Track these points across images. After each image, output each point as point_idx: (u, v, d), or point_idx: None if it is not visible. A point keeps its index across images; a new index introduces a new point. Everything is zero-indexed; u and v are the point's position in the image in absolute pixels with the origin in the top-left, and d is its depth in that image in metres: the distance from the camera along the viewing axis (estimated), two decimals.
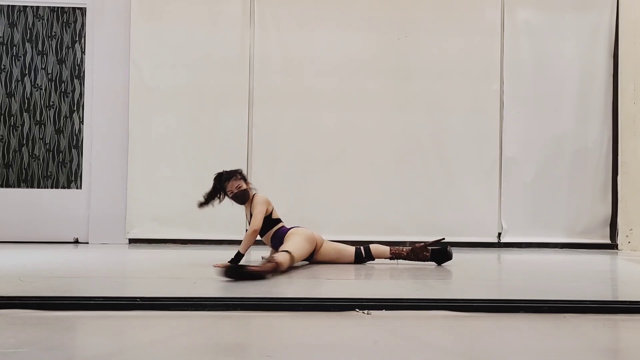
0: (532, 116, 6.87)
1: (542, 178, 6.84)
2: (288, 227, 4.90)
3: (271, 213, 4.84)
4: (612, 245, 6.81)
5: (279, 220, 4.89)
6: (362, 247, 4.93)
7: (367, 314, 3.00)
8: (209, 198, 4.83)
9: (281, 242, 4.71)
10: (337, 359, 2.32)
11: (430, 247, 4.91)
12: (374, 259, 4.93)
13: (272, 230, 4.83)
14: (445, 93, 6.84)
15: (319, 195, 6.77)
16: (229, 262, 4.50)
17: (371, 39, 6.85)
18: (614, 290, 4.07)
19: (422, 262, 4.92)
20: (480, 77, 6.86)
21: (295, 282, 4.05)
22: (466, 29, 6.87)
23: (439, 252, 4.89)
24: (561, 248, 6.76)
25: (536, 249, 6.72)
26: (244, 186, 4.81)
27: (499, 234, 6.82)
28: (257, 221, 4.67)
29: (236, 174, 4.83)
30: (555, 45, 6.90)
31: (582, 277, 4.59)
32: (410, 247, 4.93)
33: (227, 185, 4.79)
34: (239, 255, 4.55)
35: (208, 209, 6.64)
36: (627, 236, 6.72)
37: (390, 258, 4.90)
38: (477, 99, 6.85)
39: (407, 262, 4.94)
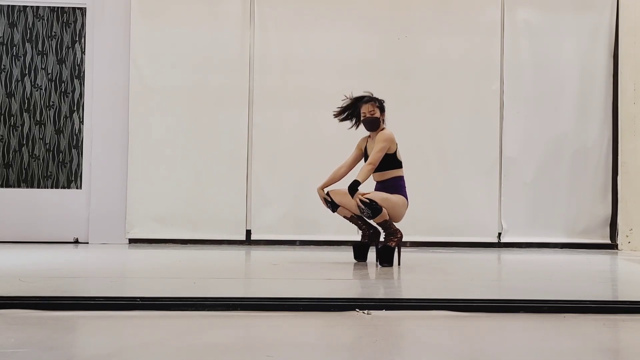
0: (532, 116, 6.86)
1: (542, 178, 6.84)
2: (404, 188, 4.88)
3: (395, 153, 4.84)
4: (612, 245, 6.81)
5: (400, 164, 4.87)
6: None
7: (367, 314, 3.00)
8: (342, 111, 4.96)
9: (386, 191, 4.75)
10: (337, 359, 2.32)
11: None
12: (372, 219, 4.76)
13: (388, 172, 4.83)
14: (445, 93, 6.84)
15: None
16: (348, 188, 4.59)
17: (371, 39, 6.85)
18: (614, 290, 4.07)
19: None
20: (480, 77, 6.85)
21: (295, 282, 4.05)
22: (466, 29, 6.87)
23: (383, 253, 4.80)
24: (561, 248, 6.76)
25: (536, 249, 6.72)
26: (378, 114, 4.85)
27: (499, 234, 6.82)
28: (376, 158, 4.69)
29: (375, 100, 4.88)
30: (555, 45, 6.90)
31: (582, 277, 4.59)
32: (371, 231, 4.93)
33: (363, 107, 4.86)
34: (357, 183, 4.60)
35: (207, 208, 6.68)
36: (627, 236, 6.72)
37: (384, 227, 4.78)
38: (477, 99, 6.85)
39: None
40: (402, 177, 4.91)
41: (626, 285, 4.36)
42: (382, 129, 4.89)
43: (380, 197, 4.72)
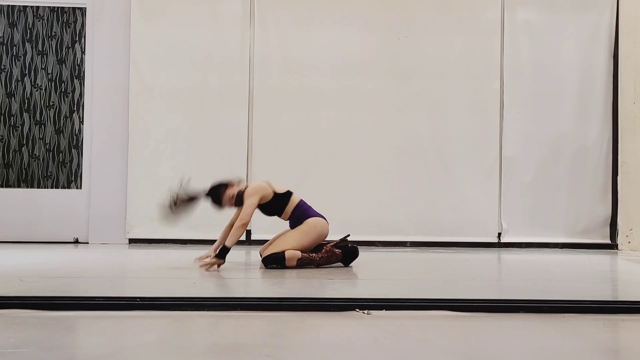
0: (532, 116, 6.86)
1: (542, 178, 6.84)
2: (309, 211, 4.81)
3: (274, 195, 4.71)
4: (612, 245, 6.81)
5: (289, 197, 4.77)
6: (276, 252, 4.63)
7: (367, 314, 3.00)
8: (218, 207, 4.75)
9: (301, 222, 4.70)
10: (337, 359, 2.32)
11: (339, 247, 4.78)
12: (285, 266, 4.58)
13: (286, 211, 4.75)
14: (445, 93, 6.84)
15: (318, 195, 6.73)
16: (214, 256, 4.43)
17: (371, 39, 6.85)
18: (614, 290, 4.07)
19: (331, 265, 4.76)
20: (480, 77, 6.85)
21: (295, 282, 4.05)
22: (466, 28, 6.87)
23: (348, 252, 4.78)
24: (561, 248, 6.76)
25: (536, 249, 6.72)
26: (235, 190, 4.67)
27: (499, 234, 6.82)
28: (245, 215, 4.51)
29: (220, 189, 4.65)
30: (555, 45, 6.90)
31: (582, 277, 4.59)
32: (319, 252, 4.71)
33: (225, 203, 4.66)
34: (225, 249, 4.42)
35: (207, 208, 6.66)
36: (627, 236, 6.72)
37: (297, 265, 4.60)
38: (477, 98, 6.84)
39: (316, 268, 4.64)
40: (300, 202, 4.81)
41: (626, 285, 4.36)
42: (245, 188, 4.71)
43: (282, 243, 4.66)
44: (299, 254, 4.62)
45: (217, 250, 4.53)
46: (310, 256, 4.67)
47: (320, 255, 4.70)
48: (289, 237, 4.72)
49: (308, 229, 4.71)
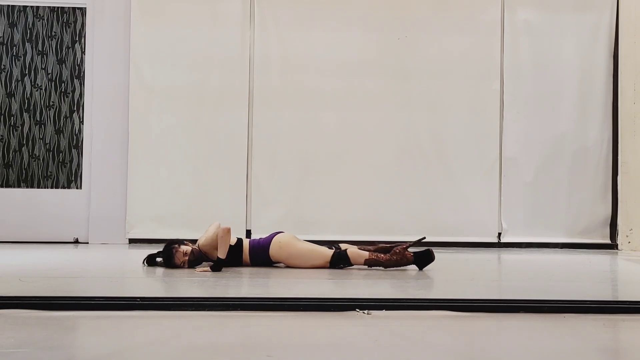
0: (532, 116, 6.86)
1: (542, 178, 6.84)
2: (259, 238, 4.77)
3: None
4: (612, 245, 6.81)
5: (239, 240, 4.69)
6: (338, 251, 4.59)
7: (367, 314, 3.00)
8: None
9: (266, 255, 4.60)
10: (337, 359, 2.32)
11: (412, 250, 4.59)
12: (351, 264, 4.57)
13: (243, 251, 4.64)
14: (445, 93, 6.83)
15: (319, 195, 6.76)
16: (210, 267, 4.39)
17: (371, 39, 6.85)
18: (614, 290, 4.07)
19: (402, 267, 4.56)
20: (480, 77, 6.85)
21: (295, 282, 4.05)
22: (466, 28, 6.87)
23: (423, 255, 4.54)
24: (561, 248, 6.76)
25: (536, 249, 6.72)
26: (189, 248, 4.57)
27: (499, 234, 6.82)
28: (218, 230, 4.45)
29: (171, 248, 4.54)
30: (555, 45, 6.90)
31: (582, 277, 4.59)
32: (389, 253, 4.54)
33: (176, 262, 4.51)
34: (220, 262, 4.38)
35: (207, 208, 6.68)
36: (627, 236, 6.72)
37: (367, 264, 4.54)
38: (477, 98, 6.84)
39: (384, 269, 4.55)
40: (250, 242, 4.74)
41: (626, 285, 4.36)
42: (198, 244, 4.62)
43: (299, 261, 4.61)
44: (365, 254, 4.54)
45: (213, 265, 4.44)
46: (377, 257, 4.53)
47: (387, 257, 4.51)
48: (297, 258, 4.62)
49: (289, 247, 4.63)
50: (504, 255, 6.18)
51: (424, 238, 4.74)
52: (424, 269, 4.56)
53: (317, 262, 4.58)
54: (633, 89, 6.69)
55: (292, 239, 4.69)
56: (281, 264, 4.70)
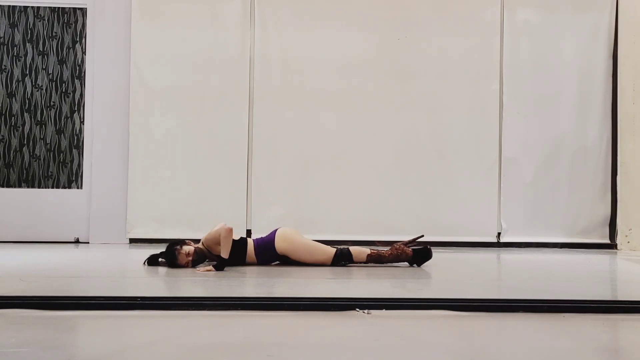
0: (531, 116, 6.87)
1: (541, 178, 6.84)
2: (260, 236, 4.83)
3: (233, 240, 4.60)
4: (612, 245, 6.81)
5: (243, 239, 4.72)
6: (341, 248, 4.71)
7: (367, 313, 3.01)
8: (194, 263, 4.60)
9: (274, 252, 4.67)
10: (338, 359, 2.33)
11: (411, 247, 4.74)
12: (353, 262, 4.68)
13: (248, 250, 4.68)
14: (445, 93, 6.84)
15: (319, 195, 6.77)
16: (213, 266, 4.39)
17: (371, 39, 6.86)
18: (614, 290, 4.08)
19: (400, 264, 4.74)
20: (480, 77, 6.86)
21: (295, 282, 4.06)
22: (466, 29, 6.87)
23: (421, 252, 4.73)
24: (561, 248, 6.77)
25: (536, 248, 6.73)
26: (191, 247, 4.59)
27: (499, 234, 6.83)
28: (221, 229, 4.46)
29: (174, 249, 4.56)
30: (555, 45, 6.91)
31: (582, 276, 4.60)
32: (389, 249, 4.70)
33: (180, 263, 4.53)
34: (223, 261, 4.41)
35: (208, 208, 6.69)
36: (626, 236, 6.72)
37: (367, 261, 4.67)
38: (477, 99, 6.85)
39: (384, 265, 4.71)
40: (254, 241, 4.79)
41: (625, 285, 4.37)
42: (201, 243, 4.66)
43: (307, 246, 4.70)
44: (368, 250, 4.69)
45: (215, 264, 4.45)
46: (379, 252, 4.68)
47: (389, 252, 4.68)
48: (303, 253, 4.70)
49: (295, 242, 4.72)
50: (503, 255, 6.19)
51: (422, 236, 4.93)
52: (421, 265, 4.75)
53: (321, 257, 4.70)
54: (632, 89, 6.69)
55: (294, 232, 4.81)
56: (287, 259, 4.76)
